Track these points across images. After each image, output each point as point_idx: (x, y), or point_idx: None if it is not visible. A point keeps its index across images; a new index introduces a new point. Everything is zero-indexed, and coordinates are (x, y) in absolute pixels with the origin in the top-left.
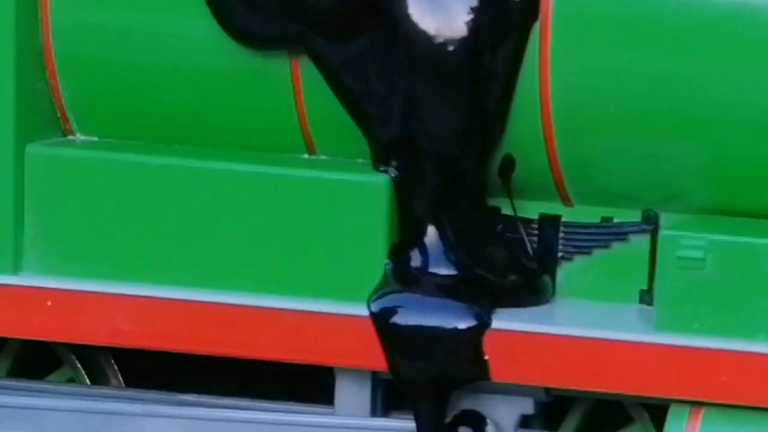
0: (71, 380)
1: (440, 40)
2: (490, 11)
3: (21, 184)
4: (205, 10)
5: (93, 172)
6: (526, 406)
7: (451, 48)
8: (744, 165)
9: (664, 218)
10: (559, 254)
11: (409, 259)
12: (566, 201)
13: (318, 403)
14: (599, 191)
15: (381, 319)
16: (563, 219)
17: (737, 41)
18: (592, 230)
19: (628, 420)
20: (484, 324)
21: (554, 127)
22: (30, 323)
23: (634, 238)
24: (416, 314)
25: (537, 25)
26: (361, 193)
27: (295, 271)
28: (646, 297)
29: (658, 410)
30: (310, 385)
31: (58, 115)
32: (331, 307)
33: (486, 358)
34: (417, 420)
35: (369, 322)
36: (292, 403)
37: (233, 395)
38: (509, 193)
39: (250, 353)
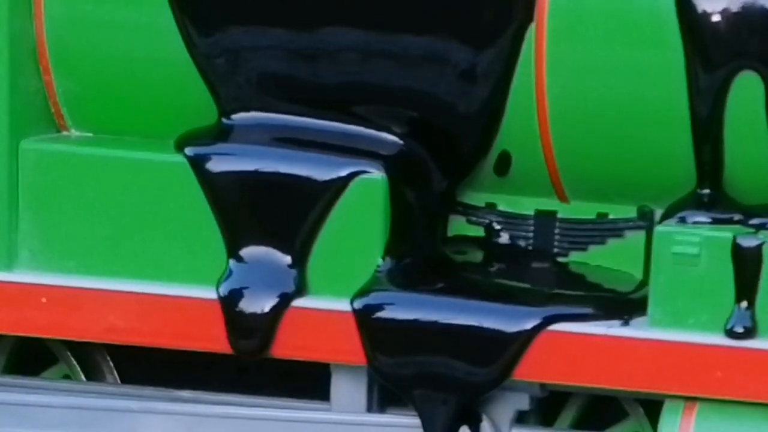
0: (66, 377)
1: None
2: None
3: (15, 180)
4: None
5: (88, 168)
6: (522, 402)
7: None
8: (742, 163)
9: (660, 214)
10: (555, 250)
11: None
12: (562, 197)
13: (314, 399)
14: (595, 187)
15: None
16: (559, 215)
17: None
18: (588, 226)
19: (623, 415)
20: None
21: (550, 123)
22: (24, 320)
23: (630, 234)
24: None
25: (533, 22)
26: (358, 191)
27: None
28: None
29: (653, 405)
30: (307, 381)
31: (53, 110)
32: (328, 304)
33: None
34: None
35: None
36: (288, 399)
37: (229, 392)
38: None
39: None
